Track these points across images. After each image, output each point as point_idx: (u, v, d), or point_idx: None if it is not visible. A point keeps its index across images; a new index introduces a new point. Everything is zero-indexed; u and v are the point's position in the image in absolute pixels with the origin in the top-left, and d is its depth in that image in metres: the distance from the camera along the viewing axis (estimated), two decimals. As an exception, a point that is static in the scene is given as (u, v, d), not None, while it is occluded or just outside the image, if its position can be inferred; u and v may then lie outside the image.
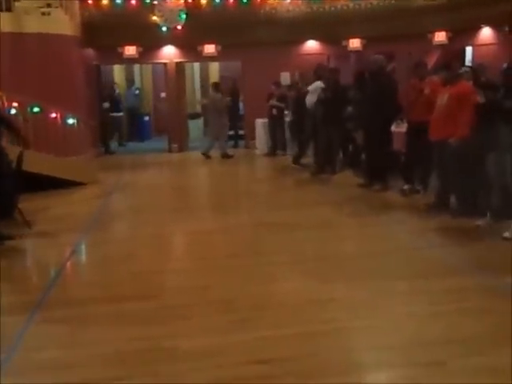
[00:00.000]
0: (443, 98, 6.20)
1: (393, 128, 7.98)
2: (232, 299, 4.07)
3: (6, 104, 7.92)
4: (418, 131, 6.81)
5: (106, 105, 13.71)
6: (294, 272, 4.67)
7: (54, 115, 8.63)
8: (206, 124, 13.53)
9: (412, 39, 12.03)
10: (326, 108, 8.85)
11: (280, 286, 4.34)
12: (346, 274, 4.53)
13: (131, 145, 15.02)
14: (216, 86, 12.48)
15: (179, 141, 13.47)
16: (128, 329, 3.62)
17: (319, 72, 9.78)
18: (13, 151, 6.46)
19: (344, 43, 13.19)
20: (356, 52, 13.34)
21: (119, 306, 4.01)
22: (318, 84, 9.48)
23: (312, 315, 3.71)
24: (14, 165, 6.37)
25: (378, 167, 7.87)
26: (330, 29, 12.68)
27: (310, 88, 9.71)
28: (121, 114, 14.51)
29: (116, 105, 14.16)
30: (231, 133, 13.61)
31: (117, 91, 14.63)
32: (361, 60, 13.09)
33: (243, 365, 3.05)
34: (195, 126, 15.49)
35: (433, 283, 4.24)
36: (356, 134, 8.75)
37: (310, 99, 9.86)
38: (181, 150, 13.41)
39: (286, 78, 13.01)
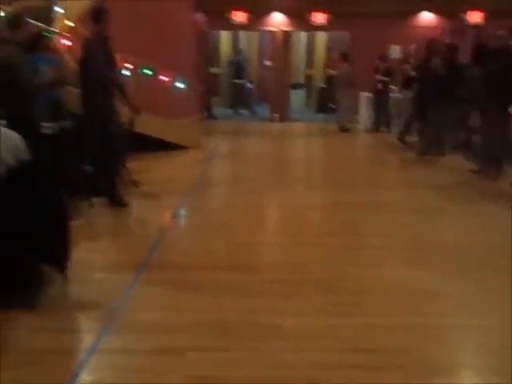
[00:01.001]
0: None
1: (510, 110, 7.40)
2: (332, 280, 3.95)
3: (119, 64, 8.12)
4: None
5: (215, 70, 13.85)
6: (396, 258, 4.47)
7: (164, 78, 8.78)
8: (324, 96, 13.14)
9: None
10: (440, 86, 8.38)
11: (382, 271, 4.15)
12: (454, 266, 4.26)
13: (232, 111, 15.13)
14: (344, 56, 12.09)
15: (281, 111, 13.37)
16: (227, 299, 3.62)
17: (432, 47, 9.26)
18: (125, 112, 6.63)
19: (462, 16, 12.36)
20: (475, 26, 12.48)
21: (218, 275, 4.01)
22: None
23: (419, 307, 3.52)
24: (126, 125, 6.56)
25: (494, 153, 7.36)
26: (448, 0, 11.93)
27: None
28: (243, 81, 14.42)
29: (239, 71, 14.21)
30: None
31: (240, 58, 14.74)
32: (480, 35, 12.22)
33: (348, 352, 2.94)
34: (297, 97, 15.32)
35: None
36: (471, 115, 8.24)
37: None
38: (282, 120, 13.32)
39: (395, 51, 12.46)
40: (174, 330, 3.20)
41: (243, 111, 14.90)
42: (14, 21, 5.03)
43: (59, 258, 3.73)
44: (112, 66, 5.90)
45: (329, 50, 15.50)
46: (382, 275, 4.07)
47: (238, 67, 14.23)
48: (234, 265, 4.29)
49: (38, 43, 6.59)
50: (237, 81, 14.04)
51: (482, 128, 7.74)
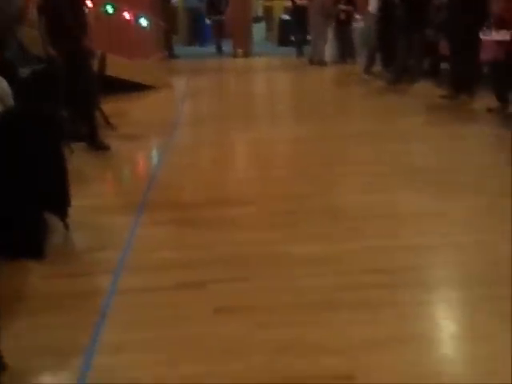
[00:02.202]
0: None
1: (480, 35, 7.49)
2: (336, 207, 4.04)
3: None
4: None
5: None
6: (393, 183, 4.55)
7: (126, 15, 8.44)
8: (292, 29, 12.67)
9: None
10: (408, 11, 8.35)
11: (383, 196, 4.24)
12: (448, 189, 4.38)
13: (193, 49, 14.75)
14: None
15: (244, 46, 13.11)
16: (235, 233, 3.66)
17: None
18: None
19: None
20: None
21: (222, 211, 4.04)
22: None
23: (424, 228, 3.65)
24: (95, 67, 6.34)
25: (464, 77, 7.47)
26: None
27: None
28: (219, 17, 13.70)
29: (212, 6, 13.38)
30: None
31: None
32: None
33: (362, 273, 3.04)
34: (258, 30, 15.02)
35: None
36: (439, 40, 8.29)
37: (373, 3, 9.44)
38: (245, 55, 13.08)
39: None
40: (188, 266, 3.23)
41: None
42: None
43: (60, 204, 3.67)
44: (80, 5, 5.63)
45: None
46: (383, 200, 4.15)
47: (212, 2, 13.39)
48: (237, 200, 4.30)
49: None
50: (213, 17, 13.29)
51: (451, 53, 7.81)
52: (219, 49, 13.32)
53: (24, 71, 5.20)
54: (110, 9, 8.09)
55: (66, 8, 5.27)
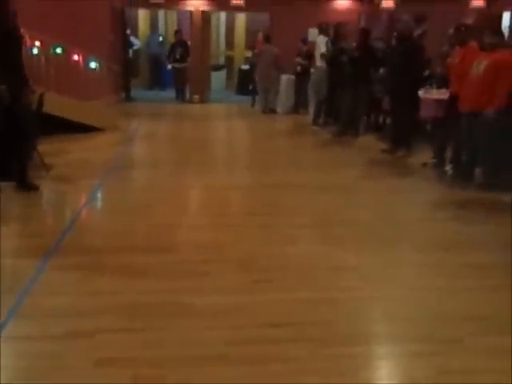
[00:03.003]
0: (479, 66, 5.94)
1: (421, 94, 7.73)
2: (249, 258, 4.00)
3: (28, 43, 7.76)
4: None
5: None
6: (312, 235, 4.59)
7: (76, 57, 8.47)
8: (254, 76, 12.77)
9: (448, 1, 11.56)
10: (354, 68, 8.61)
11: (299, 248, 4.25)
12: (365, 242, 4.43)
13: (152, 93, 14.85)
14: (267, 37, 12.02)
15: (201, 92, 13.26)
16: (142, 281, 3.58)
17: (338, 30, 9.60)
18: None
19: (376, 1, 12.74)
20: (388, 11, 12.88)
21: (134, 257, 3.97)
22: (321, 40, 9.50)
23: (328, 281, 3.64)
24: (34, 106, 6.28)
25: (403, 133, 7.68)
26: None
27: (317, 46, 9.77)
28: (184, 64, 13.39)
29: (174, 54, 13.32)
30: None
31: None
32: (392, 20, 12.65)
33: (257, 327, 3.00)
34: (218, 78, 15.24)
35: (453, 257, 4.13)
36: (382, 97, 8.53)
37: (319, 58, 9.81)
38: (202, 101, 13.22)
39: (314, 34, 12.63)
40: (84, 314, 3.13)
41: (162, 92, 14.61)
42: None
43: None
44: (20, 42, 5.61)
45: (248, 31, 15.51)
46: (298, 252, 4.16)
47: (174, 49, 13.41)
48: (153, 246, 4.24)
49: None
50: (174, 65, 13.33)
51: (392, 110, 8.04)
52: (178, 94, 13.45)
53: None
54: (59, 50, 8.12)
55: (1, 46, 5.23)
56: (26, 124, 5.67)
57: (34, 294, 3.35)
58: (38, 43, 7.75)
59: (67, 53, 8.29)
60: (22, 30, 5.72)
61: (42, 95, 6.37)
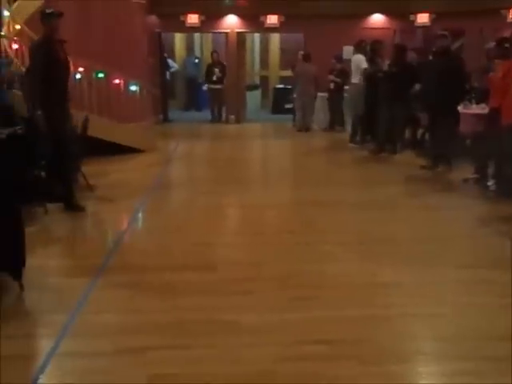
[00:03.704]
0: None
1: (460, 109, 7.67)
2: (290, 276, 4.03)
3: (72, 69, 8.04)
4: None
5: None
6: (352, 253, 4.59)
7: (117, 81, 8.73)
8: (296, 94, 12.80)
9: (484, 15, 11.45)
10: (391, 84, 8.60)
11: (338, 266, 4.26)
12: (408, 259, 4.41)
13: (189, 114, 15.10)
14: (306, 56, 12.14)
15: (237, 112, 13.43)
16: (187, 299, 3.65)
17: (375, 48, 9.62)
18: (80, 116, 6.59)
19: (411, 18, 12.73)
20: (423, 27, 12.86)
21: (177, 276, 4.04)
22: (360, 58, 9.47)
23: (372, 299, 3.64)
24: (78, 129, 6.50)
25: (443, 148, 7.61)
26: (398, 2, 12.27)
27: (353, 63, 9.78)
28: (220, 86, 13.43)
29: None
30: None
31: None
32: (428, 36, 12.62)
33: (303, 344, 3.02)
34: (253, 98, 15.39)
35: (498, 274, 4.07)
36: (421, 113, 8.49)
37: (356, 75, 9.81)
38: (238, 121, 13.38)
39: (349, 52, 12.69)
40: (133, 331, 3.21)
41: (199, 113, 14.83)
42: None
43: (14, 265, 3.68)
44: (66, 70, 5.83)
45: (282, 50, 15.67)
46: (338, 270, 4.17)
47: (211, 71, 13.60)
48: (192, 265, 4.31)
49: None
50: (211, 86, 13.52)
51: (431, 126, 7.99)
52: (214, 115, 13.64)
53: (2, 132, 5.33)
54: (101, 75, 8.39)
55: (47, 73, 5.44)
56: (71, 147, 5.87)
57: (84, 312, 3.45)
58: (81, 69, 8.04)
59: (109, 77, 8.56)
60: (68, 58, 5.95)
61: (86, 119, 6.59)
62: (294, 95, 12.42)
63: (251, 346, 3.03)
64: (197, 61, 16.15)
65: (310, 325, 3.25)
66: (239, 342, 3.06)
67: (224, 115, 13.62)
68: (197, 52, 16.67)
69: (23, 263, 3.70)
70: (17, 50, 7.69)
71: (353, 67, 10.13)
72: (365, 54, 9.94)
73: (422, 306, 3.55)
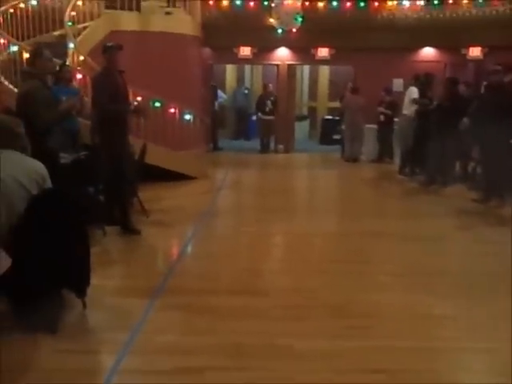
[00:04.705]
0: None
1: (512, 142, 7.60)
2: (342, 305, 4.08)
3: (131, 98, 8.38)
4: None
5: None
6: (404, 284, 4.59)
7: (172, 110, 9.03)
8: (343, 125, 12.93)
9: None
10: (442, 117, 8.60)
11: (391, 296, 4.28)
12: (461, 291, 4.39)
13: (237, 143, 15.38)
14: (354, 89, 12.32)
15: (286, 142, 13.61)
16: (242, 322, 3.74)
17: (426, 81, 9.66)
18: (136, 143, 6.87)
19: (463, 51, 12.71)
20: (475, 61, 12.81)
21: (232, 300, 4.15)
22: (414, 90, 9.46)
23: (428, 330, 3.64)
24: (136, 156, 6.77)
25: (495, 182, 7.54)
26: (449, 36, 12.27)
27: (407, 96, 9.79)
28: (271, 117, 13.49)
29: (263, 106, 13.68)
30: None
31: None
32: (480, 70, 12.56)
33: (359, 372, 3.06)
34: (301, 128, 15.58)
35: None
36: (472, 146, 8.45)
37: (407, 106, 9.82)
38: (287, 151, 13.54)
39: (398, 84, 12.74)
40: (191, 352, 3.32)
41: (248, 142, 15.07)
42: (35, 55, 5.25)
43: (79, 283, 3.86)
44: (125, 99, 6.12)
45: (331, 82, 15.86)
46: (389, 300, 4.19)
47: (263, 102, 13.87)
48: (248, 290, 4.42)
49: (60, 76, 6.91)
50: (263, 116, 13.75)
51: (483, 159, 7.93)
52: (263, 145, 13.82)
53: (67, 157, 5.63)
54: (157, 104, 8.71)
55: (109, 95, 5.72)
56: (129, 173, 6.12)
57: (145, 332, 3.58)
58: (139, 98, 8.36)
59: (165, 106, 8.87)
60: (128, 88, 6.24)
61: (144, 146, 6.85)
62: (343, 126, 12.54)
63: (307, 371, 3.09)
64: (246, 91, 16.52)
65: (365, 353, 3.28)
66: (294, 367, 3.12)
67: (273, 145, 13.81)
68: (247, 83, 17.05)
69: (88, 282, 3.88)
70: (80, 79, 8.09)
71: (406, 99, 10.16)
72: (418, 87, 9.97)
73: (478, 339, 3.53)
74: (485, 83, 8.80)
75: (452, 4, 12.40)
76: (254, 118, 15.67)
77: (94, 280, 4.13)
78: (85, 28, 9.10)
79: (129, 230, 5.99)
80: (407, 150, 9.94)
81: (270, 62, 13.67)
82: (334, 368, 3.11)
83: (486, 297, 4.28)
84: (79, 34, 8.93)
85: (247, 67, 16.70)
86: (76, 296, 3.86)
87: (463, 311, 3.98)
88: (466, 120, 8.33)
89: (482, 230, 6.39)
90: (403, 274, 4.84)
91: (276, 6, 12.30)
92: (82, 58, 8.34)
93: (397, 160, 10.89)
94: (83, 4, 9.23)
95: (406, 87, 11.69)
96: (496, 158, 7.41)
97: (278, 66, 13.49)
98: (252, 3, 12.45)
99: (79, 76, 8.10)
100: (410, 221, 6.95)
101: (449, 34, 12.22)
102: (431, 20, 12.41)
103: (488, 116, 7.38)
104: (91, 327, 3.76)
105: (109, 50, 5.91)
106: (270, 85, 13.72)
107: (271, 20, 12.33)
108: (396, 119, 11.41)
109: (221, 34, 12.26)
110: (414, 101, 9.74)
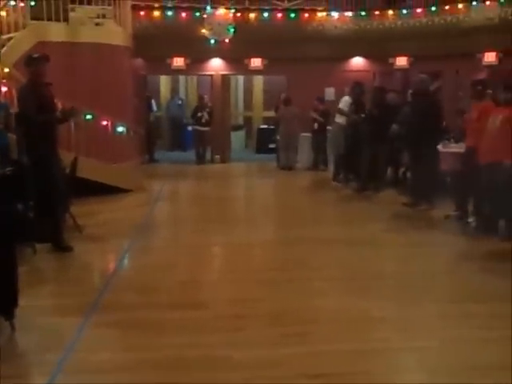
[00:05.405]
0: (495, 121, 6.13)
1: (440, 148, 7.92)
2: (282, 313, 4.10)
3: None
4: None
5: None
6: (342, 288, 4.68)
7: (104, 123, 8.85)
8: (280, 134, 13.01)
9: (460, 59, 11.91)
10: (372, 125, 8.87)
11: (329, 301, 4.35)
12: (396, 294, 4.52)
13: (174, 154, 15.24)
14: (287, 100, 12.47)
15: (222, 152, 13.62)
16: (179, 336, 3.69)
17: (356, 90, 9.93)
18: (67, 157, 6.67)
19: (390, 61, 13.17)
20: (402, 70, 13.31)
21: (170, 313, 4.09)
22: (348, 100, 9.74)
23: (363, 333, 3.72)
24: (67, 170, 6.57)
25: (424, 186, 7.82)
26: (377, 46, 12.71)
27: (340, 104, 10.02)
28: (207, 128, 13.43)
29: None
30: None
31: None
32: (406, 78, 13.05)
33: (297, 378, 3.08)
34: (237, 138, 15.64)
35: (481, 308, 4.19)
36: (402, 152, 8.74)
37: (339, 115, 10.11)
38: (223, 161, 13.55)
39: (330, 93, 13.04)
40: (127, 369, 3.24)
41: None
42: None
43: (6, 305, 3.70)
44: (52, 113, 5.94)
45: (266, 91, 16.03)
46: (329, 305, 4.26)
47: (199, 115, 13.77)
48: (187, 302, 4.37)
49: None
50: (198, 128, 13.65)
51: (412, 164, 8.23)
52: (199, 155, 13.77)
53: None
54: (89, 116, 8.52)
55: (35, 107, 5.53)
56: (60, 188, 5.94)
57: (78, 351, 3.47)
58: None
59: (96, 118, 8.68)
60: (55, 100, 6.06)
61: (75, 160, 6.67)
62: (277, 136, 12.70)
63: (245, 380, 3.07)
64: (180, 102, 16.43)
65: (304, 359, 3.31)
66: (234, 378, 3.11)
67: (209, 155, 13.79)
68: (181, 93, 16.96)
69: (15, 303, 3.72)
70: (6, 92, 7.80)
71: (340, 106, 10.37)
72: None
73: (411, 339, 3.63)
74: (410, 91, 9.15)
75: (379, 15, 12.87)
76: (190, 128, 15.62)
77: (23, 301, 3.97)
78: (9, 39, 8.78)
79: (61, 246, 5.80)
80: (340, 157, 10.18)
81: (203, 73, 13.68)
82: (273, 376, 3.12)
83: (419, 298, 4.42)
84: (3, 46, 8.61)
85: (181, 78, 16.62)
86: (4, 319, 3.70)
87: (398, 312, 4.09)
88: (395, 126, 8.62)
89: (412, 234, 6.60)
90: (339, 279, 4.93)
91: (208, 16, 12.33)
92: (6, 70, 8.04)
93: (331, 167, 11.12)
94: (7, 15, 8.91)
95: (337, 96, 12.01)
96: (424, 163, 7.69)
97: (212, 76, 13.52)
98: (184, 14, 12.45)
99: (4, 89, 7.81)
100: (345, 226, 7.10)
101: (376, 44, 12.65)
102: (359, 31, 12.82)
103: (416, 122, 7.67)
104: (21, 350, 3.61)
105: (35, 61, 5.71)
106: (206, 96, 13.71)
107: (203, 31, 12.33)
108: (329, 127, 11.67)
109: (153, 45, 12.14)
110: (340, 111, 10.00)
